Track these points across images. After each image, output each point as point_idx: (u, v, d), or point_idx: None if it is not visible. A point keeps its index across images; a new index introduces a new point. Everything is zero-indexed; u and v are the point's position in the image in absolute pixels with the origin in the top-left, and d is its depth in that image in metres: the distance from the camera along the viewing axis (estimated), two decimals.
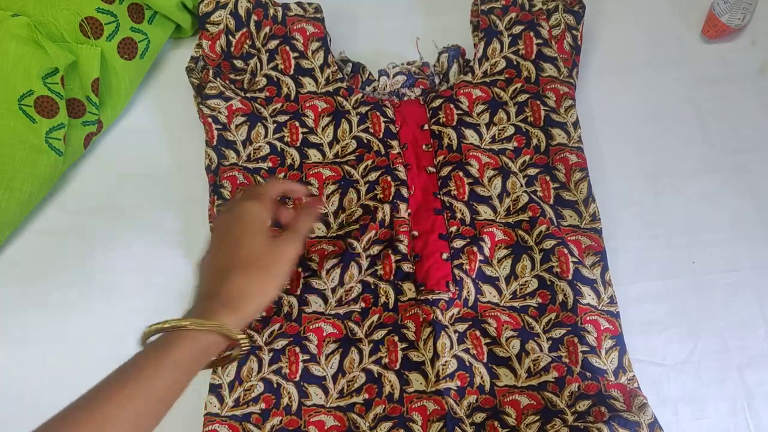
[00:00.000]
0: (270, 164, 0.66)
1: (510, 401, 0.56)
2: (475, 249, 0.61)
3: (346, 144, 0.66)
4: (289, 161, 0.66)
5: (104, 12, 0.66)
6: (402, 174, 0.64)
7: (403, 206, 0.62)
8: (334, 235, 0.63)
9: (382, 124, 0.66)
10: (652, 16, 0.78)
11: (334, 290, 0.60)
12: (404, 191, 0.63)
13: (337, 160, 0.66)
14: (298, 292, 0.60)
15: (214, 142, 0.66)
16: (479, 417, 0.56)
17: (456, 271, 0.60)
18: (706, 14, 0.76)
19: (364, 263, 0.61)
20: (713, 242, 0.66)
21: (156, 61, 0.74)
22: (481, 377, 0.57)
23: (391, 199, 0.63)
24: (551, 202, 0.64)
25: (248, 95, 0.68)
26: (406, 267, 0.61)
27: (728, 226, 0.67)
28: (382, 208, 0.62)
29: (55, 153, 0.64)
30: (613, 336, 0.59)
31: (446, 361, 0.57)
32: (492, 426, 0.55)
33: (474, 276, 0.61)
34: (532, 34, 0.69)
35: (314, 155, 0.66)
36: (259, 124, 0.67)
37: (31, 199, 0.64)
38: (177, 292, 0.63)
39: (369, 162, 0.65)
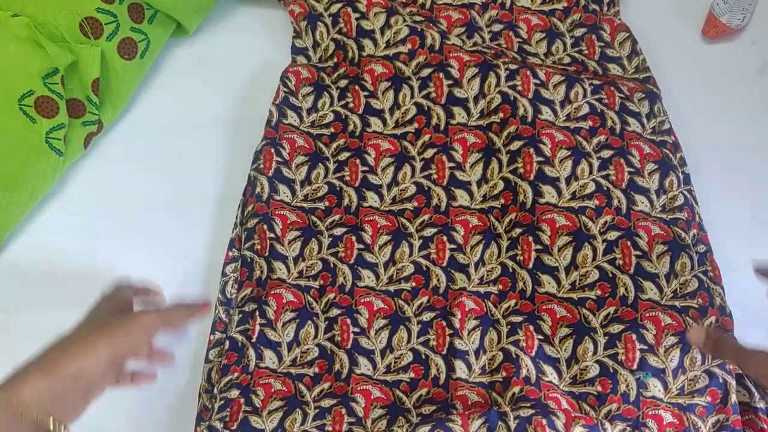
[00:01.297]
0: (332, 130, 0.68)
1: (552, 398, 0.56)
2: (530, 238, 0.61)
3: (406, 111, 0.68)
4: (351, 127, 0.68)
5: (104, 12, 0.66)
6: (457, 156, 0.66)
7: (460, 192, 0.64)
8: (387, 209, 0.65)
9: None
10: (652, 16, 0.78)
11: (386, 265, 0.62)
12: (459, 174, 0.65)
13: (397, 132, 0.68)
14: (351, 261, 0.62)
15: (278, 101, 0.69)
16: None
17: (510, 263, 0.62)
18: (706, 15, 0.76)
19: (416, 243, 0.63)
20: (713, 242, 0.66)
21: (156, 61, 0.74)
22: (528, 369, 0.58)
23: (445, 184, 0.65)
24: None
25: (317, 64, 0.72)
26: (461, 258, 0.62)
27: (727, 226, 0.67)
28: (437, 193, 0.65)
29: (55, 153, 0.64)
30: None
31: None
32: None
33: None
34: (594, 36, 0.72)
35: (375, 124, 0.68)
36: (325, 92, 0.70)
37: (31, 199, 0.65)
38: (177, 292, 0.63)
39: (426, 138, 0.67)
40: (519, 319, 0.59)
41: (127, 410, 0.59)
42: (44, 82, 0.62)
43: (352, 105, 0.69)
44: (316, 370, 0.59)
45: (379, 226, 0.64)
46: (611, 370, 0.56)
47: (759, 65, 0.75)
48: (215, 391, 0.58)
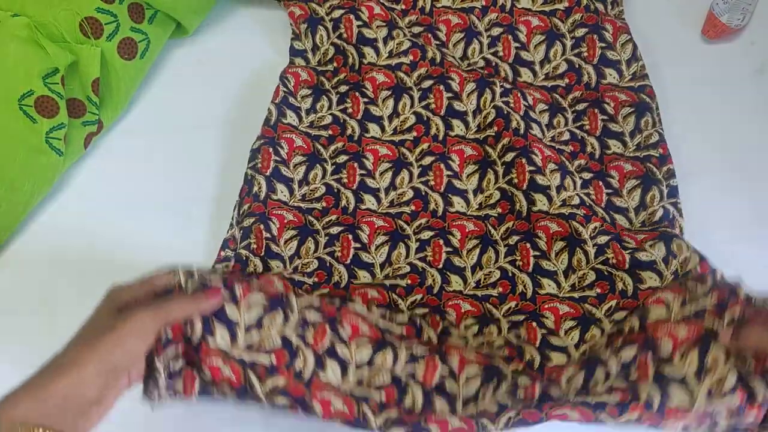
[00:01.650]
0: (331, 132, 0.69)
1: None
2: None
3: (405, 119, 0.69)
4: (349, 131, 0.69)
5: (104, 12, 0.66)
6: (455, 165, 0.67)
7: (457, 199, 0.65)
8: (384, 212, 0.65)
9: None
10: (652, 16, 0.78)
11: (382, 266, 0.63)
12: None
13: (395, 139, 0.69)
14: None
15: (277, 101, 0.69)
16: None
17: None
18: (706, 14, 0.76)
19: (414, 245, 0.64)
20: (712, 242, 0.66)
21: (156, 61, 0.75)
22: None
23: (442, 191, 0.66)
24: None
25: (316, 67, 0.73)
26: (457, 261, 0.63)
27: (727, 226, 0.67)
28: (434, 198, 0.66)
29: (55, 153, 0.64)
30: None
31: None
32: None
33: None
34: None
35: (374, 129, 0.69)
36: (324, 96, 0.71)
37: (31, 199, 0.65)
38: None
39: (425, 146, 0.68)
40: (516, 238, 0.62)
41: None
42: (44, 82, 0.62)
43: (351, 110, 0.70)
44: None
45: (376, 226, 0.64)
46: (606, 274, 0.60)
47: (759, 65, 0.75)
48: (233, 221, 0.63)
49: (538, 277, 0.61)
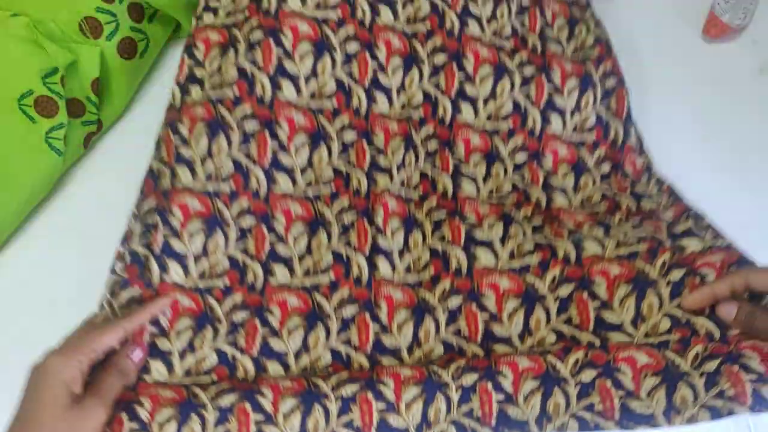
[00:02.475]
0: (236, 92, 0.59)
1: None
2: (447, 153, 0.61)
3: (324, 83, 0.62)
4: (258, 91, 0.59)
5: (104, 11, 0.66)
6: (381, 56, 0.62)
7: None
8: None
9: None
10: (652, 15, 0.78)
11: (303, 170, 0.59)
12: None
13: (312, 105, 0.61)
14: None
15: (182, 79, 0.61)
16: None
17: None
18: (707, 14, 0.76)
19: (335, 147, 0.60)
20: None
21: (156, 61, 0.74)
22: None
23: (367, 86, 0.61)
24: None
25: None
26: (382, 160, 0.60)
27: (727, 226, 0.67)
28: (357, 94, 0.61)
29: (55, 153, 0.64)
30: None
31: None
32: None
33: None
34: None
35: (288, 90, 0.61)
36: (231, 48, 0.61)
37: (31, 199, 0.65)
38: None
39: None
40: (442, 215, 0.58)
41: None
42: (44, 82, 0.62)
43: (261, 63, 0.60)
44: (227, 281, 0.54)
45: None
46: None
47: (759, 65, 0.75)
48: (115, 307, 0.53)
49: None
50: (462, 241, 0.55)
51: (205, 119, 0.57)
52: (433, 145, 0.61)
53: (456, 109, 0.62)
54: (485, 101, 0.62)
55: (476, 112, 0.62)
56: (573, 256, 0.53)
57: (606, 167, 0.63)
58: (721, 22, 0.74)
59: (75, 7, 0.64)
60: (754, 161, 0.70)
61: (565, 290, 0.52)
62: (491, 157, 0.61)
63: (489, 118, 0.62)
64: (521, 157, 0.62)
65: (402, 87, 0.62)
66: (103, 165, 0.70)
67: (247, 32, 0.61)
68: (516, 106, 0.62)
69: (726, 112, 0.73)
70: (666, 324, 0.49)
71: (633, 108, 0.71)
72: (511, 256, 0.54)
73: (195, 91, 0.60)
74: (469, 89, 0.62)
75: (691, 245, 0.53)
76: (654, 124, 0.72)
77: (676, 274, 0.51)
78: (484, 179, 0.60)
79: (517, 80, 0.63)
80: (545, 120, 0.63)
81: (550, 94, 0.63)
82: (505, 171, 0.61)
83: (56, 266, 0.65)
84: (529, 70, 0.64)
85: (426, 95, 0.62)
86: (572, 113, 0.63)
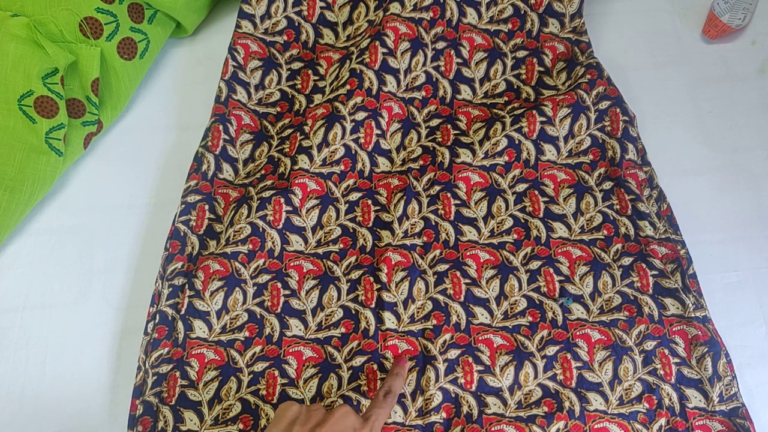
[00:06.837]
0: (279, 109, 0.70)
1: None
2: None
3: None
4: (296, 107, 0.69)
5: (104, 12, 0.66)
6: (383, 122, 0.68)
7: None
8: (317, 171, 0.65)
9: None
10: (652, 16, 0.78)
11: (313, 229, 0.64)
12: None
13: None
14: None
15: (227, 77, 0.69)
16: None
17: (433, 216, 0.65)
18: (707, 14, 0.76)
19: (342, 208, 0.65)
20: (713, 242, 0.66)
21: (156, 61, 0.75)
22: None
23: (370, 150, 0.66)
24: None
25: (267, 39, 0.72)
26: (385, 216, 0.64)
27: (728, 226, 0.67)
28: (361, 158, 0.67)
29: (55, 153, 0.64)
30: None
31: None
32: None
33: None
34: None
35: (318, 100, 0.69)
36: (274, 70, 0.71)
37: (31, 200, 0.65)
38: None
39: (358, 99, 0.67)
40: (445, 267, 0.62)
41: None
42: (44, 82, 0.62)
43: (299, 86, 0.70)
44: (247, 334, 0.59)
45: (309, 189, 0.64)
46: (537, 302, 0.61)
47: (760, 65, 0.75)
48: (147, 365, 0.58)
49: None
50: (462, 296, 0.61)
51: (232, 198, 0.65)
52: (434, 189, 0.65)
53: (454, 154, 0.67)
54: (480, 142, 0.67)
55: (473, 153, 0.67)
56: (560, 320, 0.60)
57: (607, 185, 0.66)
58: (720, 23, 0.74)
59: (75, 7, 0.64)
60: (754, 161, 0.70)
61: (551, 350, 0.59)
62: (492, 190, 0.66)
63: (486, 156, 0.67)
64: (521, 186, 0.66)
65: (402, 146, 0.68)
66: (102, 165, 0.70)
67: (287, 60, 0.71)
68: (510, 140, 0.67)
69: (726, 112, 0.73)
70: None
71: (631, 108, 0.71)
72: (505, 316, 0.61)
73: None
74: (464, 139, 0.68)
75: (671, 309, 0.60)
76: (654, 124, 0.72)
77: (650, 344, 0.59)
78: (485, 218, 0.65)
79: (508, 120, 0.68)
80: (539, 150, 0.67)
81: (542, 126, 0.67)
82: (507, 204, 0.65)
83: (56, 266, 0.65)
84: (520, 110, 0.69)
85: (425, 148, 0.68)
86: (566, 139, 0.67)
